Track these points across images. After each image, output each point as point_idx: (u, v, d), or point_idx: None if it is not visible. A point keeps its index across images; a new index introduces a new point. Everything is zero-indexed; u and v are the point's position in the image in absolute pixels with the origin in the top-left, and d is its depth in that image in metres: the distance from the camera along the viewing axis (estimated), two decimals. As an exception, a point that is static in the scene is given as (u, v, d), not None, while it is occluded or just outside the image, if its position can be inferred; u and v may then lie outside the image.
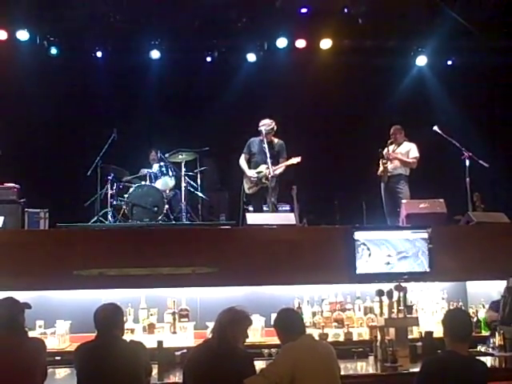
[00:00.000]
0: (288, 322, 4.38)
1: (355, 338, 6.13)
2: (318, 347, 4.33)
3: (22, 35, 9.78)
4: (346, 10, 9.45)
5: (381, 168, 8.78)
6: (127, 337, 5.08)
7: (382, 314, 5.53)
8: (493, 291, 6.34)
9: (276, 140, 8.43)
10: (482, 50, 10.36)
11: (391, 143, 8.85)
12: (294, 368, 4.03)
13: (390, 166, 8.69)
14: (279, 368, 4.08)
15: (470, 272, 6.41)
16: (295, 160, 8.25)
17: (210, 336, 4.41)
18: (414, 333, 5.99)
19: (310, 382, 4.06)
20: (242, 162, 8.50)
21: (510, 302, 5.74)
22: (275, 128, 8.38)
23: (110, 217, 8.72)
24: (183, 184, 9.14)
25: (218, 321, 4.30)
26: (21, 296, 4.64)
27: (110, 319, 4.36)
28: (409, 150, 8.72)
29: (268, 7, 9.32)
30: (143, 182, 9.04)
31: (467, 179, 7.95)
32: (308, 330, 4.82)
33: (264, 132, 8.19)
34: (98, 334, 4.37)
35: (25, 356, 4.21)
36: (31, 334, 5.20)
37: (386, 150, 8.82)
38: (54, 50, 10.12)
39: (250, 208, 8.53)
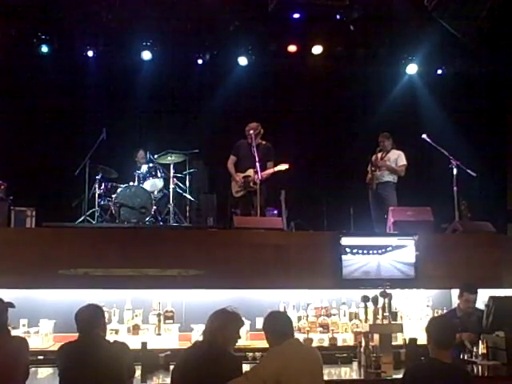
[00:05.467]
0: (277, 324, 4.33)
1: (340, 343, 6.16)
2: (304, 352, 4.30)
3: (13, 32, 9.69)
4: (338, 17, 9.46)
5: (369, 175, 8.82)
6: (111, 337, 5.08)
7: (366, 319, 5.55)
8: (478, 299, 6.35)
9: (264, 143, 8.48)
10: (472, 59, 10.43)
11: (379, 150, 8.88)
12: (278, 372, 4.00)
13: (378, 173, 8.74)
14: (263, 371, 4.05)
15: (456, 280, 6.44)
16: (283, 167, 8.28)
17: (200, 338, 4.35)
18: (399, 339, 5.99)
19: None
20: (230, 164, 8.54)
21: (493, 311, 5.77)
22: (262, 131, 8.44)
23: (97, 217, 8.68)
24: (171, 185, 9.12)
25: (208, 324, 4.24)
26: (5, 294, 4.63)
27: (90, 320, 4.35)
28: (397, 158, 8.76)
29: (260, 11, 9.30)
30: (131, 183, 9.01)
31: (455, 188, 7.98)
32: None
33: (253, 135, 8.22)
34: (81, 334, 4.35)
35: (7, 354, 4.19)
36: (15, 332, 5.18)
37: (374, 157, 8.87)
38: (44, 48, 10.03)
39: (238, 211, 8.53)
